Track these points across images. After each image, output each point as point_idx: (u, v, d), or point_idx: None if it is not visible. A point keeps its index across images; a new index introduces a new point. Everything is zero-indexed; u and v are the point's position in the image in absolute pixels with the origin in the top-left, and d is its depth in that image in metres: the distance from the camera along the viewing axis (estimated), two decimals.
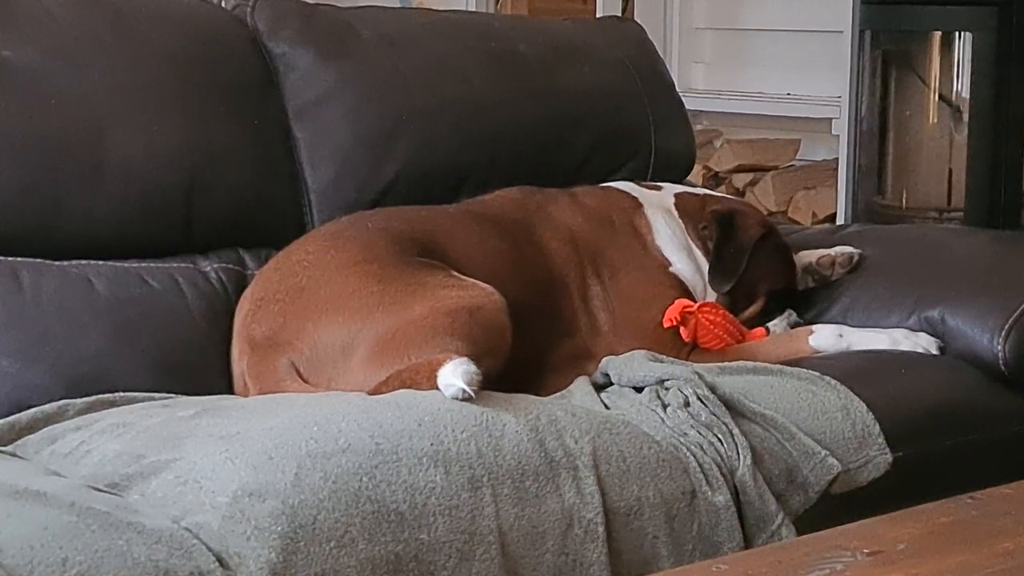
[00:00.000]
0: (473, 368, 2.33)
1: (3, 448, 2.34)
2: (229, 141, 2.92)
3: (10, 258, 2.65)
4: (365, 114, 3.09)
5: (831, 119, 5.15)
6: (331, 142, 3.05)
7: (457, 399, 2.30)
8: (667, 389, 2.56)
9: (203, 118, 2.90)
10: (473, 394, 2.30)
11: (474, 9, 6.07)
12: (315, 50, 3.10)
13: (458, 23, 3.47)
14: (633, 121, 3.47)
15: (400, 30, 3.25)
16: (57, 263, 2.69)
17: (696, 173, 5.11)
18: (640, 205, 3.13)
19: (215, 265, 2.85)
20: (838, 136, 5.04)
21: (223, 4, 3.28)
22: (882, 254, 3.22)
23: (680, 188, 3.27)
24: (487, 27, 3.48)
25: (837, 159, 5.09)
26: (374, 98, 3.11)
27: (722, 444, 2.45)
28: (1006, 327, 2.87)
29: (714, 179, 5.55)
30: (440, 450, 2.19)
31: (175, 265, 2.81)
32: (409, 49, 3.21)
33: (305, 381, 2.56)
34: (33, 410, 2.44)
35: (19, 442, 2.37)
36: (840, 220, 4.96)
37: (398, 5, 6.22)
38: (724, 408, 2.51)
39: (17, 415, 2.43)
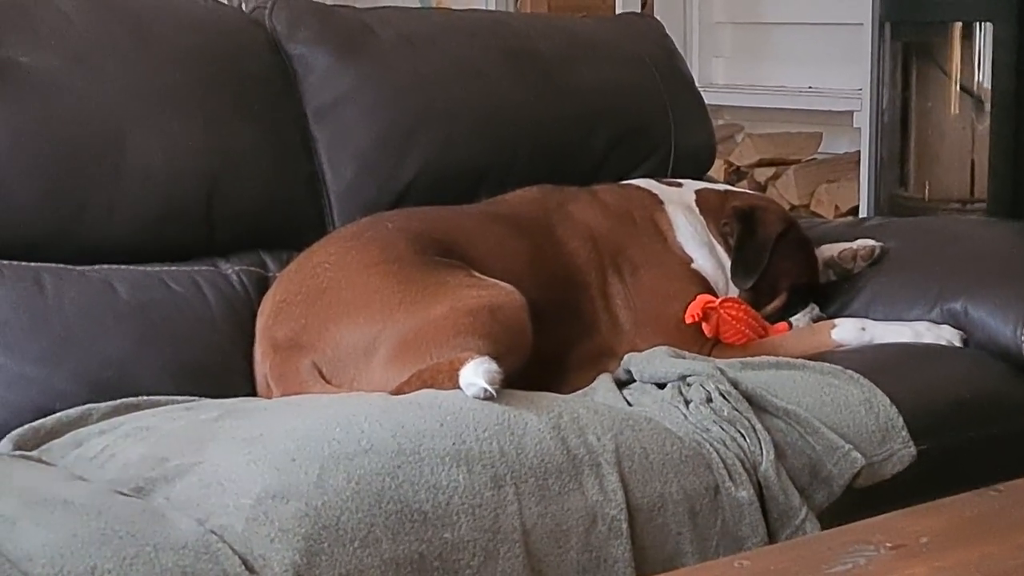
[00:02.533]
0: (494, 367, 2.33)
1: (28, 453, 2.35)
2: (248, 143, 2.93)
3: (32, 264, 2.67)
4: (384, 114, 3.09)
5: (852, 112, 5.13)
6: (350, 143, 3.06)
7: (479, 398, 2.30)
8: (689, 385, 2.56)
9: (222, 121, 2.91)
10: (495, 393, 2.30)
11: (493, 7, 6.07)
12: (333, 51, 3.10)
13: (476, 22, 3.47)
14: (653, 117, 3.47)
15: (418, 30, 3.25)
16: (79, 268, 2.70)
17: (718, 168, 5.12)
18: (661, 202, 3.13)
19: (236, 268, 2.86)
20: (860, 129, 5.03)
21: (243, 6, 3.29)
22: (904, 246, 3.21)
23: (701, 184, 3.27)
24: (505, 26, 3.48)
25: (859, 152, 5.08)
26: (393, 98, 3.11)
27: (745, 439, 2.45)
28: None
29: (736, 174, 5.54)
30: (462, 449, 2.19)
31: (196, 268, 2.82)
32: (427, 49, 3.21)
33: (328, 382, 2.57)
34: (57, 415, 2.46)
35: (44, 447, 2.38)
36: (863, 213, 4.94)
37: (418, 3, 6.24)
38: (747, 403, 2.51)
39: (42, 420, 2.45)
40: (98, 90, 2.80)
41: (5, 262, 2.65)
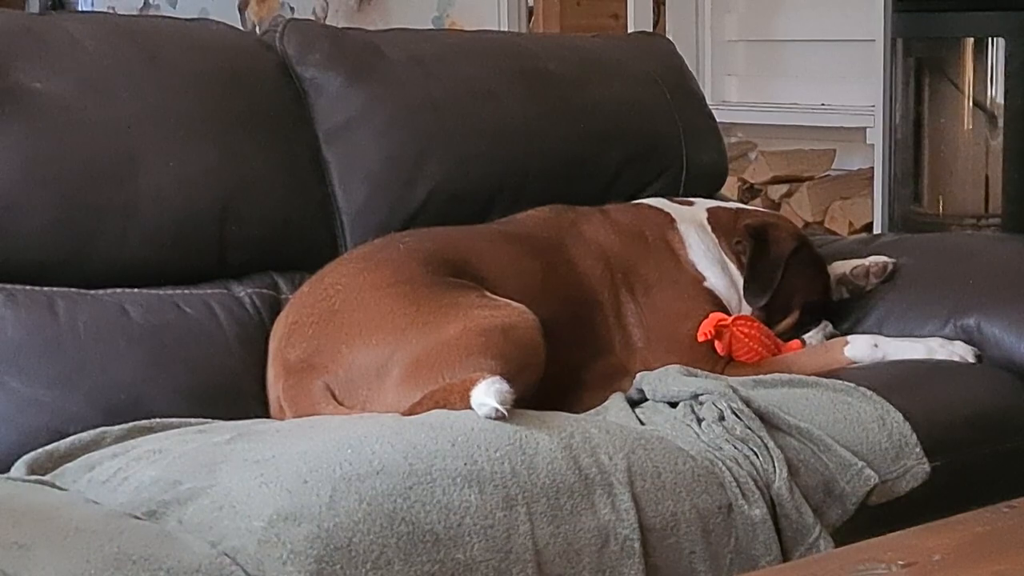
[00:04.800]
0: (506, 387, 2.33)
1: (42, 477, 2.36)
2: (260, 166, 2.94)
3: (45, 288, 2.67)
4: (395, 136, 3.10)
5: (865, 128, 5.13)
6: (362, 165, 3.07)
7: (490, 418, 2.30)
8: (701, 403, 2.56)
9: (234, 144, 2.91)
10: (506, 413, 2.31)
11: (506, 28, 6.09)
12: (344, 74, 3.11)
13: (487, 43, 3.48)
14: (664, 136, 3.47)
15: (428, 51, 3.26)
16: (92, 292, 2.70)
17: (731, 185, 5.12)
18: (673, 221, 3.13)
19: (249, 290, 2.87)
20: (873, 145, 5.03)
21: (255, 30, 3.30)
22: (917, 263, 3.21)
23: (713, 203, 3.27)
24: (516, 46, 3.49)
25: (872, 168, 5.08)
26: (404, 120, 3.12)
27: (758, 457, 2.45)
28: None
29: (750, 191, 5.54)
30: (474, 470, 2.19)
31: (209, 291, 2.82)
32: (438, 70, 3.22)
33: (340, 403, 2.57)
34: (71, 438, 2.46)
35: (57, 471, 2.38)
36: (877, 229, 4.94)
37: (430, 25, 6.25)
38: (759, 421, 2.51)
39: (55, 444, 2.45)
40: (111, 115, 2.80)
41: (18, 287, 2.65)
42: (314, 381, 2.61)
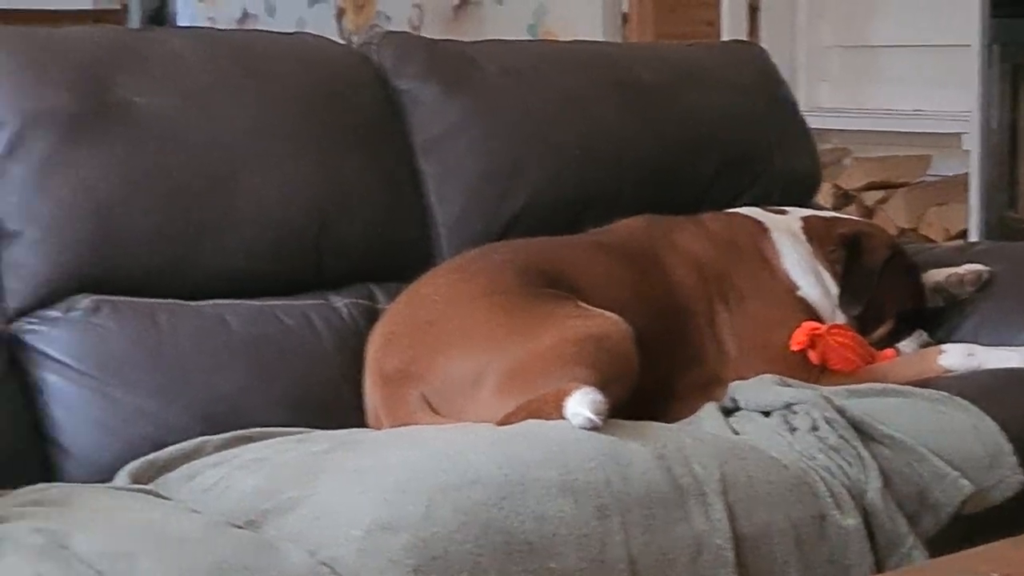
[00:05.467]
0: (600, 397, 2.35)
1: (145, 486, 2.40)
2: (358, 178, 2.97)
3: (148, 300, 2.71)
4: (491, 147, 3.12)
5: (961, 134, 5.10)
6: (458, 176, 3.09)
7: (584, 428, 2.32)
8: (795, 413, 2.56)
9: (332, 156, 2.95)
10: (600, 423, 2.32)
11: (602, 36, 6.09)
12: (440, 85, 3.14)
13: (580, 53, 3.49)
14: (757, 145, 3.47)
15: (522, 62, 3.28)
16: (193, 303, 2.74)
17: (826, 192, 5.09)
18: (766, 230, 3.13)
19: (346, 301, 2.89)
20: (968, 151, 5.00)
21: (352, 38, 3.33)
22: (1012, 271, 3.20)
23: (807, 211, 3.26)
24: (609, 56, 3.50)
25: (967, 174, 5.04)
26: (499, 131, 3.14)
27: (851, 467, 2.45)
28: None
29: (844, 197, 5.51)
30: (568, 480, 2.21)
31: (308, 302, 2.85)
32: (532, 81, 3.24)
33: (436, 413, 2.59)
34: (171, 448, 2.50)
35: (159, 480, 2.42)
36: (972, 235, 4.91)
37: (525, 34, 6.27)
38: (853, 431, 2.51)
39: (156, 453, 2.49)
40: (211, 127, 2.84)
41: (122, 298, 2.69)
42: (410, 391, 2.63)
